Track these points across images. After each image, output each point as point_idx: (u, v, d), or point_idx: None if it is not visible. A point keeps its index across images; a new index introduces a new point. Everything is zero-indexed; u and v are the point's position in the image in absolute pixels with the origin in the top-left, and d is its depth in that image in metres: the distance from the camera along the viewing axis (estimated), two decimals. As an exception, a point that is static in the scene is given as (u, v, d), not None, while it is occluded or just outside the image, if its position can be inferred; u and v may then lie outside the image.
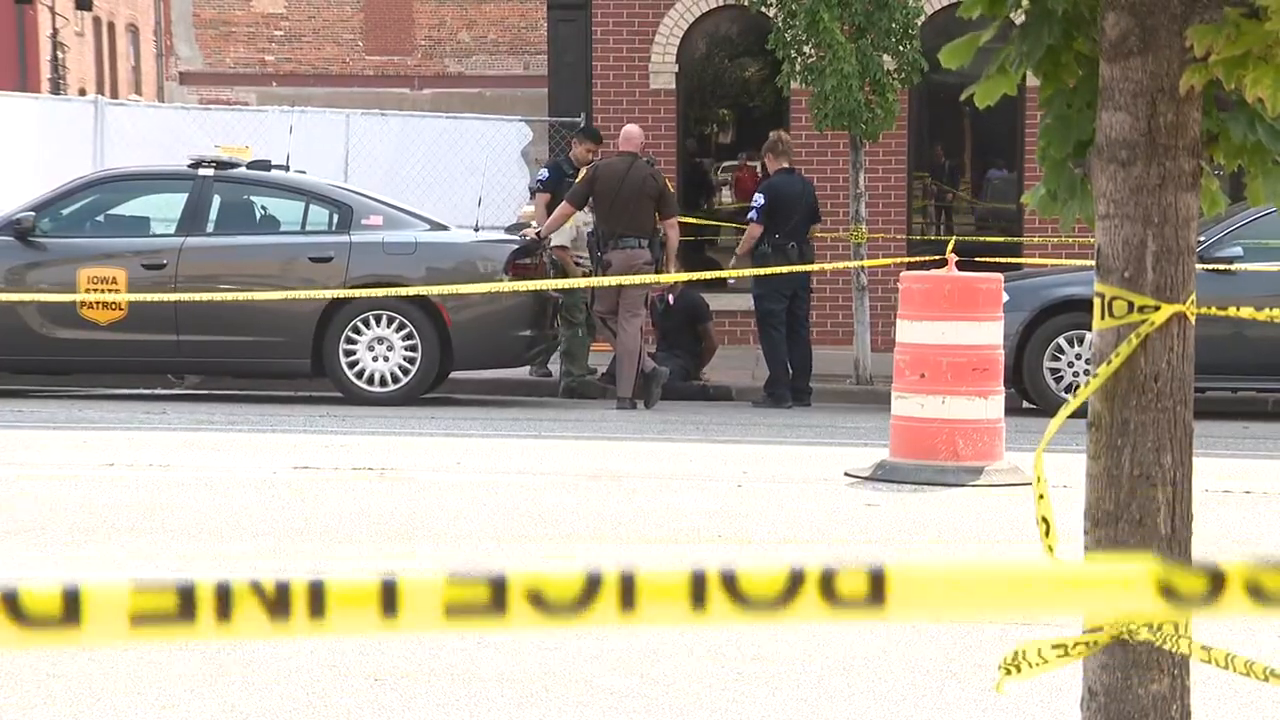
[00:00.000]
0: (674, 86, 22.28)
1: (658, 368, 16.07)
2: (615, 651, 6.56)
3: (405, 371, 15.54)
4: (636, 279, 15.52)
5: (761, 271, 15.95)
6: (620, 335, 15.97)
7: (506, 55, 38.24)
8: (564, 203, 16.16)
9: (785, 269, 15.93)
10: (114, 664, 6.21)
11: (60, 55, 45.33)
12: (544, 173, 17.83)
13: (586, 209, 16.20)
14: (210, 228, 15.75)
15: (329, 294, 14.91)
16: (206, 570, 7.92)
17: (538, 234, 16.41)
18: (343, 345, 15.48)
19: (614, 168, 15.96)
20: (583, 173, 16.35)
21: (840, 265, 18.00)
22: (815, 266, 16.71)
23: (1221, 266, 15.36)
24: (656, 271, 16.08)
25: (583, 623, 2.04)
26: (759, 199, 16.41)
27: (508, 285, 15.38)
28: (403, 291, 14.86)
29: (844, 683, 6.26)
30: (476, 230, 16.74)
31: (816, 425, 14.78)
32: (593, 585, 2.04)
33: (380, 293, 14.80)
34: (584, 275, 16.37)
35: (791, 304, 16.53)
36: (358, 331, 15.50)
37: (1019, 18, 4.13)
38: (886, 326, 18.19)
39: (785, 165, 16.56)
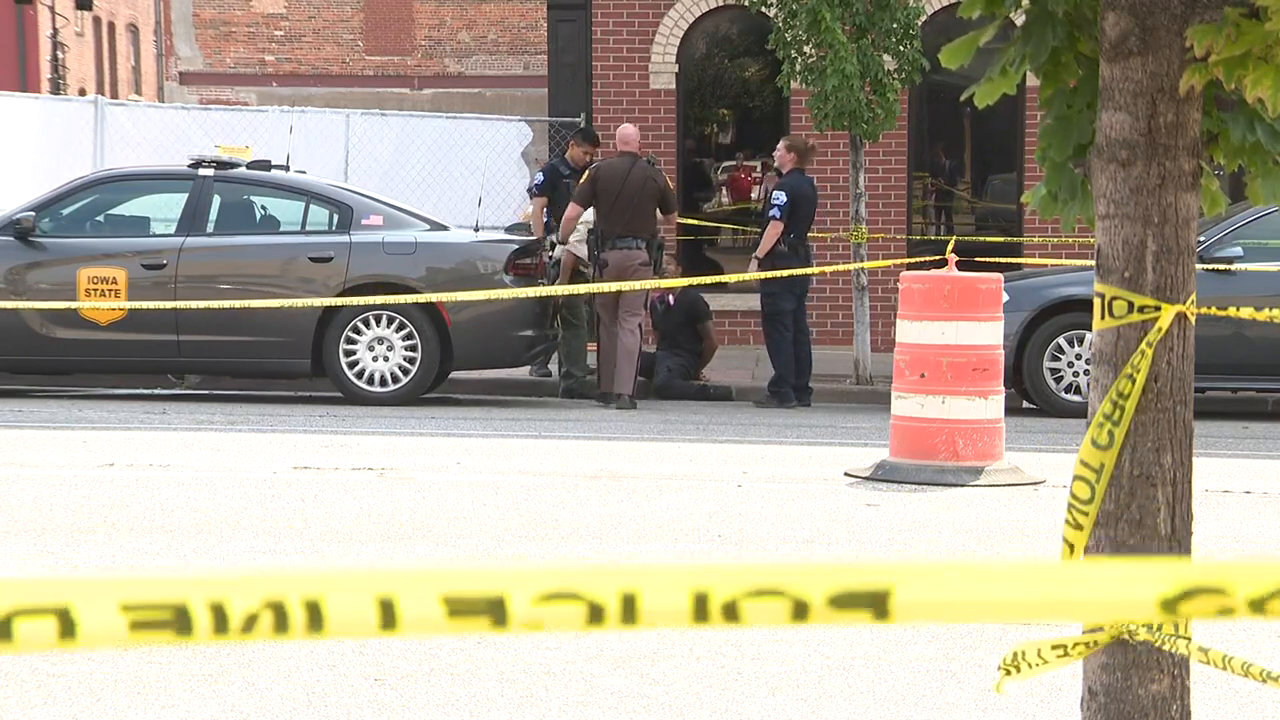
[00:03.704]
0: (674, 86, 22.27)
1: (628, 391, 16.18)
2: (615, 651, 6.56)
3: (405, 371, 15.54)
4: (638, 285, 15.56)
5: (778, 274, 15.94)
6: (621, 335, 16.01)
7: (506, 55, 38.24)
8: (571, 204, 16.18)
9: (800, 270, 15.94)
10: (114, 664, 6.21)
11: (60, 55, 45.33)
12: (539, 176, 17.83)
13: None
14: (210, 228, 15.75)
15: (325, 302, 14.91)
16: (206, 569, 7.92)
17: (553, 242, 16.50)
18: (343, 345, 15.48)
19: (616, 168, 16.00)
20: (585, 173, 16.40)
21: (840, 266, 18.00)
22: (816, 270, 16.73)
23: (1221, 266, 15.36)
24: (655, 271, 16.14)
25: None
26: (780, 197, 16.36)
27: (511, 291, 15.36)
28: (402, 299, 14.84)
29: (844, 683, 6.26)
30: (476, 230, 16.74)
31: (816, 425, 14.77)
32: (595, 616, 2.03)
33: (379, 300, 14.79)
34: (585, 280, 16.38)
35: (796, 304, 16.57)
36: (358, 331, 15.50)
37: (1019, 18, 4.13)
38: (886, 326, 18.21)
39: (798, 165, 16.57)
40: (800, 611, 2.04)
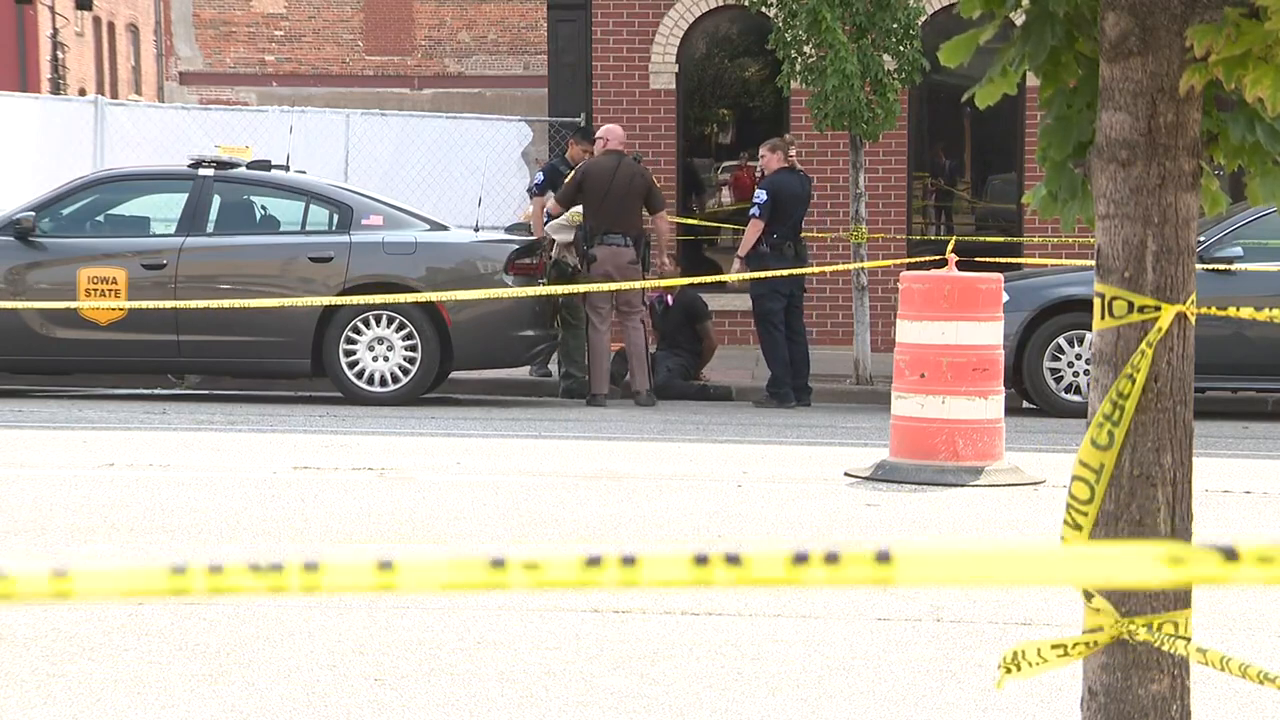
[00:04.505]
0: (674, 86, 22.28)
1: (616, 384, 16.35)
2: (615, 651, 6.56)
3: (405, 371, 15.54)
4: (637, 284, 15.63)
5: (761, 275, 15.96)
6: (628, 335, 16.18)
7: (506, 55, 38.24)
8: (553, 201, 16.35)
9: (785, 271, 15.95)
10: (114, 664, 6.21)
11: (60, 55, 45.33)
12: (539, 176, 17.85)
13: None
14: (210, 228, 15.75)
15: (325, 302, 14.92)
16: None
17: (553, 241, 16.56)
18: (343, 345, 15.48)
19: (602, 167, 16.12)
20: (571, 174, 16.54)
21: (840, 266, 18.00)
22: (815, 270, 16.73)
23: (1221, 266, 15.36)
24: (644, 269, 16.25)
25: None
26: (761, 195, 16.39)
27: (507, 291, 15.37)
28: (402, 299, 14.86)
29: (844, 683, 6.26)
30: (476, 230, 16.74)
31: (816, 425, 14.78)
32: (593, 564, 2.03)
33: (379, 300, 14.80)
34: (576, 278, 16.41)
35: (789, 303, 16.55)
36: (358, 331, 15.50)
37: (1019, 18, 4.13)
38: (886, 326, 18.20)
39: (785, 164, 16.55)
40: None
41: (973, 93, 4.16)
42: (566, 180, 16.39)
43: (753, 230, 16.37)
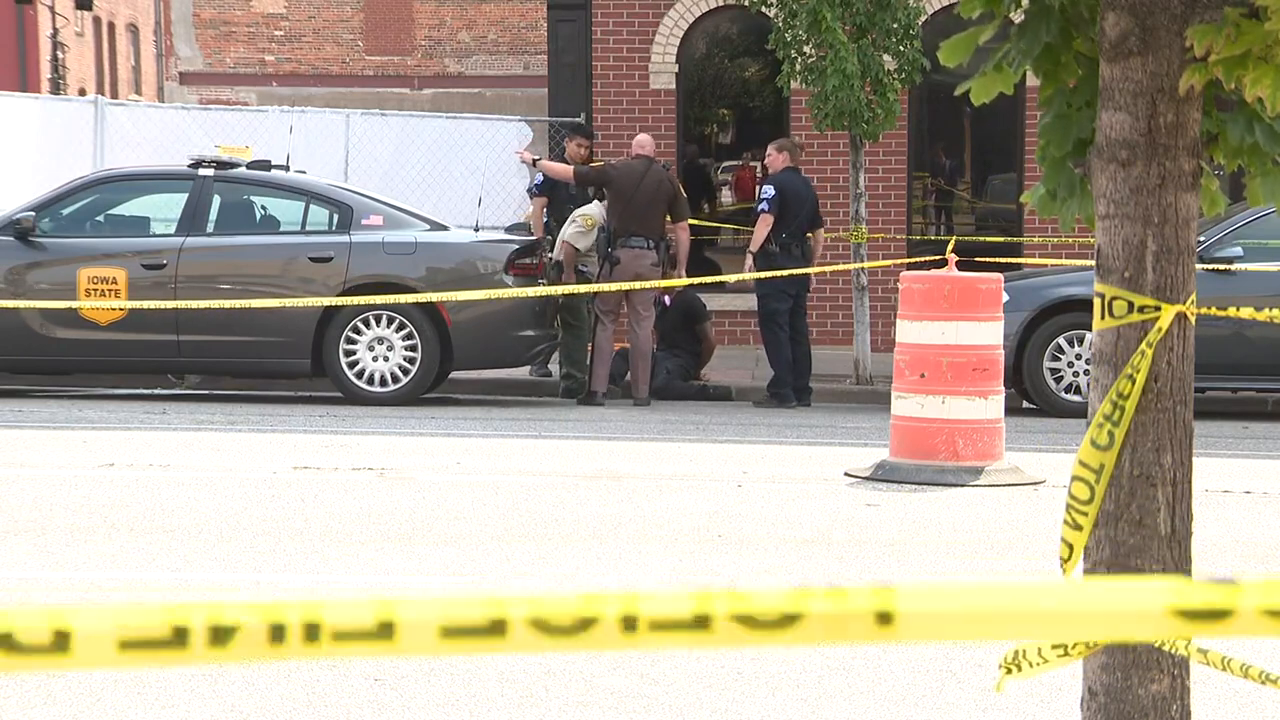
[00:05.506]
0: (674, 86, 22.27)
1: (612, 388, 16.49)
2: (615, 652, 6.56)
3: (405, 371, 15.54)
4: (639, 284, 15.65)
5: (767, 274, 15.96)
6: (632, 339, 16.24)
7: (506, 55, 38.24)
8: (574, 171, 16.45)
9: (791, 271, 15.96)
10: (114, 664, 6.20)
11: (60, 55, 45.33)
12: (539, 176, 17.85)
13: (602, 209, 16.39)
14: (210, 228, 15.75)
15: (325, 302, 14.93)
16: (205, 571, 7.92)
17: (552, 241, 16.63)
18: (343, 345, 15.48)
19: (632, 169, 16.21)
20: (598, 163, 16.66)
21: (840, 266, 18.00)
22: (816, 269, 16.72)
23: (1221, 266, 15.36)
24: (662, 276, 16.26)
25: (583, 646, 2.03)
26: (769, 190, 16.39)
27: (511, 291, 15.37)
28: (402, 299, 14.87)
29: (844, 683, 6.26)
30: (476, 230, 16.74)
31: (816, 425, 14.78)
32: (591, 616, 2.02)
33: (379, 300, 14.81)
34: (586, 279, 16.42)
35: (793, 304, 16.56)
36: (358, 331, 15.50)
37: (1018, 17, 4.13)
38: (886, 326, 18.20)
39: (791, 165, 16.57)
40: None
41: (967, 87, 4.16)
42: (592, 166, 16.58)
43: (762, 225, 16.36)
